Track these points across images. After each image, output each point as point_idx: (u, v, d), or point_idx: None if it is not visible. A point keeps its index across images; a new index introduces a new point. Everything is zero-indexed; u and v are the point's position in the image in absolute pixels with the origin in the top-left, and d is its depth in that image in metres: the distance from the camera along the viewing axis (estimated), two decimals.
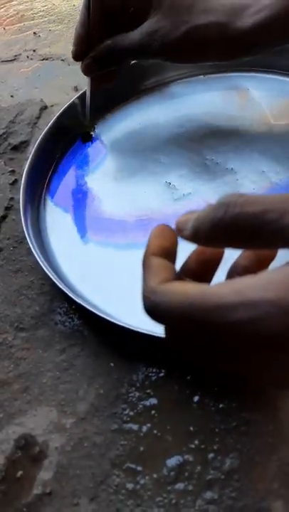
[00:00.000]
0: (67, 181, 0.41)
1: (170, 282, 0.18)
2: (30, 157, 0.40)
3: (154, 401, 0.28)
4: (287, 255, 0.18)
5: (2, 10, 0.67)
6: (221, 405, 0.27)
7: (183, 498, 0.25)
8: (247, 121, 0.41)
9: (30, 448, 0.27)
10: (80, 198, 0.40)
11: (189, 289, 0.17)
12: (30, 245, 0.34)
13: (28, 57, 0.58)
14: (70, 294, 0.31)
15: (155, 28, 0.34)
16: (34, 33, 0.61)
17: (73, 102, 0.44)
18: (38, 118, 0.48)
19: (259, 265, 0.21)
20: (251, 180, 0.37)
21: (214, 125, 0.42)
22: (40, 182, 0.41)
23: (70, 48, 0.57)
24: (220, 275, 0.22)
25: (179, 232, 0.20)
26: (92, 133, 0.44)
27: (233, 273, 0.22)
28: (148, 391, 0.28)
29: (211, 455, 0.26)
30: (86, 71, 0.39)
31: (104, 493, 0.25)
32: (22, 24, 0.64)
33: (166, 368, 0.29)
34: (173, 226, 0.21)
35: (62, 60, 0.56)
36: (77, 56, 0.39)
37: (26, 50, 0.59)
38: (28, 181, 0.39)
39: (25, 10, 0.66)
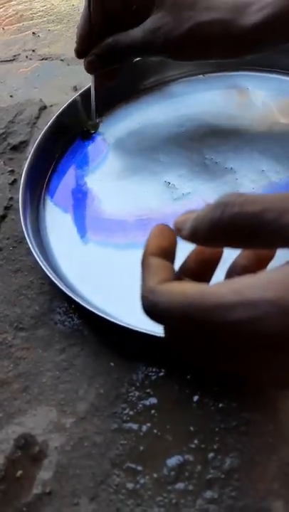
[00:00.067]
0: (67, 181, 0.41)
1: (169, 282, 0.18)
2: (30, 157, 0.40)
3: (154, 400, 0.28)
4: (287, 254, 0.17)
5: (1, 10, 0.67)
6: (220, 405, 0.27)
7: (183, 497, 0.25)
8: (247, 121, 0.41)
9: (30, 447, 0.27)
10: (79, 198, 0.40)
11: (188, 289, 0.17)
12: (30, 245, 0.34)
13: (27, 57, 0.58)
14: (70, 294, 0.31)
15: (158, 25, 0.34)
16: (33, 33, 0.61)
17: (74, 100, 0.44)
18: (38, 118, 0.48)
19: (258, 264, 0.21)
20: (251, 180, 0.37)
21: (214, 124, 0.42)
22: (40, 182, 0.41)
23: (70, 47, 0.58)
24: (219, 275, 0.22)
25: (177, 232, 0.20)
26: (92, 131, 0.44)
27: (232, 272, 0.22)
28: (148, 390, 0.28)
29: (211, 455, 0.26)
30: (89, 68, 0.39)
31: (105, 493, 0.25)
32: (21, 24, 0.64)
33: (166, 367, 0.29)
34: (172, 226, 0.21)
35: (61, 60, 0.56)
36: (80, 53, 0.39)
37: (25, 50, 0.59)
38: (28, 181, 0.39)
39: (24, 10, 0.66)
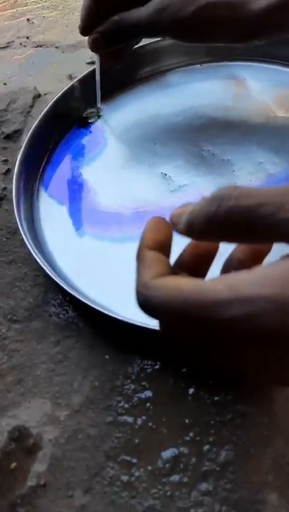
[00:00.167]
0: (62, 172, 0.41)
1: (164, 277, 0.18)
2: (24, 146, 0.40)
3: (149, 393, 0.28)
4: (283, 249, 0.17)
5: None
6: (216, 398, 0.27)
7: (178, 490, 0.25)
8: (244, 112, 0.41)
9: (24, 440, 0.27)
10: (75, 190, 0.39)
11: (183, 285, 0.17)
12: (24, 236, 0.34)
13: (21, 44, 0.56)
14: (64, 286, 0.30)
15: (164, 5, 0.33)
16: (28, 19, 0.60)
17: (72, 85, 0.43)
18: (32, 106, 0.47)
19: (254, 259, 0.21)
20: (248, 172, 0.37)
21: (211, 115, 0.42)
22: (34, 172, 0.40)
23: (65, 34, 0.57)
24: (214, 269, 0.22)
25: (173, 226, 0.20)
26: (90, 120, 0.44)
27: (228, 267, 0.21)
28: (143, 383, 0.28)
29: (206, 447, 0.26)
30: (93, 46, 0.38)
31: (99, 485, 0.25)
32: (15, 10, 0.62)
33: (162, 360, 0.29)
34: (168, 219, 0.20)
35: (56, 47, 0.55)
36: (84, 31, 0.38)
37: (19, 36, 0.58)
38: (21, 171, 0.38)
39: None
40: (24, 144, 0.40)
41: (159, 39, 0.45)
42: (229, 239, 0.18)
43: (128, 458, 0.26)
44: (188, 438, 0.26)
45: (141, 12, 0.34)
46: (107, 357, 0.30)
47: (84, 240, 0.36)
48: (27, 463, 0.26)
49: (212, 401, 0.27)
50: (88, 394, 0.28)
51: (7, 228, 0.38)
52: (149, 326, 0.27)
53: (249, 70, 0.44)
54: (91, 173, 0.40)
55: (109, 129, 0.43)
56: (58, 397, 0.29)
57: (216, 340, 0.16)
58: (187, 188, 0.37)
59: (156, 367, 0.29)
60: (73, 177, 0.40)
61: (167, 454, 0.26)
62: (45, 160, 0.42)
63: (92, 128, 0.43)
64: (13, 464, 0.26)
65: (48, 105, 0.42)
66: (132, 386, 0.28)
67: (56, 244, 0.36)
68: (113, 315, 0.29)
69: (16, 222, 0.35)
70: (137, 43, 0.40)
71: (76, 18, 0.59)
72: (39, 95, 0.49)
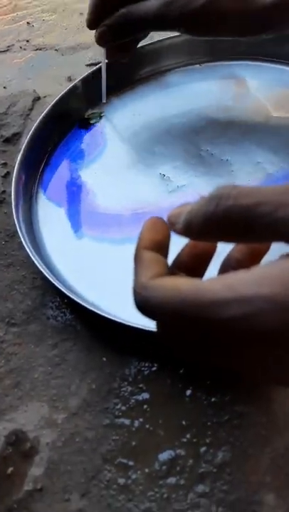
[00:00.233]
0: (61, 174, 0.41)
1: (161, 277, 0.18)
2: (22, 149, 0.40)
3: (146, 395, 0.28)
4: (281, 248, 0.17)
5: None
6: (213, 399, 0.27)
7: (174, 492, 0.25)
8: (243, 112, 0.41)
9: (21, 444, 0.27)
10: (73, 192, 0.39)
11: (181, 285, 0.17)
12: (22, 239, 0.34)
13: (21, 47, 0.57)
14: (62, 288, 0.30)
15: None
16: (27, 22, 0.60)
17: (74, 85, 0.43)
18: (31, 109, 0.48)
19: (252, 259, 0.21)
20: (247, 172, 0.36)
21: (210, 116, 0.42)
22: (33, 175, 0.40)
23: (64, 37, 0.57)
24: (212, 269, 0.22)
25: (171, 226, 0.20)
26: (92, 121, 0.44)
27: (226, 266, 0.21)
28: (140, 385, 0.28)
29: (203, 449, 0.25)
30: (100, 40, 0.37)
31: (96, 489, 0.25)
32: (15, 14, 0.63)
33: (159, 362, 0.29)
34: (166, 219, 0.20)
35: (55, 50, 0.55)
36: (91, 24, 0.37)
37: (19, 40, 0.58)
38: (20, 174, 0.39)
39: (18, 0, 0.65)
40: (23, 146, 0.40)
41: (158, 39, 0.45)
42: (227, 238, 0.18)
43: (125, 461, 0.26)
44: (185, 440, 0.26)
45: (149, 5, 0.34)
46: (104, 359, 0.30)
47: (83, 242, 0.36)
48: (24, 467, 0.26)
49: (209, 402, 0.27)
50: (85, 396, 0.28)
51: (5, 231, 0.38)
52: (146, 328, 0.27)
53: (249, 70, 0.44)
54: (90, 175, 0.40)
55: (108, 130, 0.43)
56: (56, 400, 0.29)
57: (213, 340, 0.16)
58: (186, 188, 0.37)
59: (154, 368, 0.29)
60: (72, 179, 0.40)
61: (164, 456, 0.26)
62: (44, 162, 0.42)
63: (91, 130, 0.43)
64: (10, 469, 0.26)
65: (47, 108, 0.42)
66: (129, 388, 0.28)
67: (55, 247, 0.36)
68: (110, 317, 0.28)
69: (15, 225, 0.35)
70: (144, 37, 0.40)
71: (75, 20, 0.59)
72: (38, 98, 0.49)
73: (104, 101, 0.44)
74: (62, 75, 0.51)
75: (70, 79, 0.50)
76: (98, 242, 0.36)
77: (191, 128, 0.41)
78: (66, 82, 0.50)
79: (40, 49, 0.56)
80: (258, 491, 0.24)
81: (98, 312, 0.29)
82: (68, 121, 0.44)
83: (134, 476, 0.25)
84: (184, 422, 0.26)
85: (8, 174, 0.42)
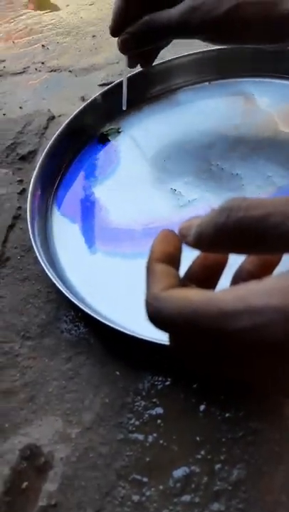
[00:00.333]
0: (75, 191, 0.42)
1: (173, 289, 0.18)
2: (38, 167, 0.41)
3: (159, 410, 0.28)
4: None
5: (12, 24, 0.69)
6: (227, 414, 0.26)
7: (189, 510, 0.24)
8: (253, 127, 0.41)
9: (35, 458, 0.27)
10: (87, 208, 0.40)
11: (193, 296, 0.17)
12: (37, 254, 0.34)
13: (36, 69, 0.59)
14: (76, 302, 0.31)
15: (196, 5, 0.33)
16: (42, 45, 0.62)
17: (84, 107, 0.45)
18: (46, 128, 0.49)
19: (264, 270, 0.21)
20: (257, 186, 0.37)
21: (220, 132, 0.42)
22: (48, 191, 0.41)
23: (78, 59, 0.59)
24: (224, 282, 0.22)
25: (182, 238, 0.20)
26: (110, 137, 0.45)
27: (238, 278, 0.21)
28: (154, 400, 0.28)
29: (217, 466, 0.25)
30: (122, 47, 0.37)
31: (110, 505, 0.25)
32: (31, 37, 0.65)
33: (172, 376, 0.29)
34: (177, 231, 0.21)
35: (69, 71, 0.57)
36: (114, 31, 0.37)
37: (35, 62, 0.60)
38: (36, 191, 0.40)
39: (33, 23, 0.68)
40: (38, 164, 0.41)
41: (168, 59, 0.47)
42: (238, 250, 0.18)
43: (139, 477, 0.26)
44: (199, 456, 0.26)
45: (172, 12, 0.34)
46: (117, 373, 0.30)
47: (96, 256, 0.36)
48: (38, 482, 0.26)
49: (223, 418, 0.26)
50: (99, 411, 0.28)
51: (21, 246, 0.38)
52: (159, 342, 0.27)
53: (257, 86, 0.45)
54: (103, 191, 0.41)
55: (120, 148, 0.44)
56: (69, 414, 0.29)
57: (224, 351, 0.16)
58: (197, 202, 0.37)
59: (167, 383, 0.28)
60: (86, 196, 0.41)
61: (178, 472, 0.25)
62: (58, 179, 0.43)
63: (105, 147, 0.44)
64: (25, 484, 0.26)
65: (61, 126, 0.44)
66: (143, 403, 0.28)
67: (69, 262, 0.36)
68: (124, 330, 0.29)
69: (30, 240, 0.36)
70: (166, 45, 0.40)
71: (88, 42, 0.61)
72: (53, 117, 0.50)
73: (124, 108, 0.44)
74: (76, 96, 0.52)
75: (83, 99, 0.51)
76: (111, 257, 0.36)
77: (201, 144, 0.42)
78: (79, 101, 0.51)
79: (55, 70, 0.58)
80: (274, 511, 0.23)
81: (112, 325, 0.29)
82: (82, 139, 0.45)
83: (148, 493, 0.25)
84: (198, 438, 0.26)
85: (24, 191, 0.43)
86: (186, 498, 0.24)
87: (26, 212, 0.38)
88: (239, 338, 0.16)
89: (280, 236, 0.16)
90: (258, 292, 0.16)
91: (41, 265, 0.34)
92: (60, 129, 0.44)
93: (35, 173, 0.40)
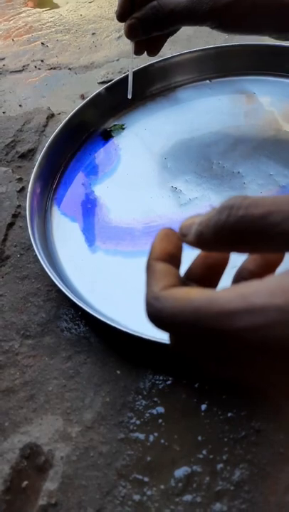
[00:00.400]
0: (74, 189, 0.41)
1: (173, 288, 0.18)
2: (37, 165, 0.40)
3: (161, 409, 0.27)
4: None
5: (11, 22, 0.68)
6: (229, 414, 0.26)
7: (191, 510, 0.24)
8: (254, 126, 0.41)
9: (35, 457, 0.27)
10: (87, 206, 0.40)
11: (193, 295, 0.17)
12: (37, 252, 0.34)
13: (36, 67, 0.58)
14: (76, 300, 0.31)
15: None
16: (42, 43, 0.62)
17: (84, 105, 0.44)
18: (45, 126, 0.49)
19: (266, 269, 0.21)
20: (258, 184, 0.37)
21: (221, 130, 0.42)
22: (47, 190, 0.41)
23: (77, 56, 0.58)
24: (226, 280, 0.22)
25: (182, 237, 0.20)
26: (113, 134, 0.44)
27: (239, 277, 0.21)
28: (155, 399, 0.28)
29: (219, 465, 0.25)
30: (129, 33, 0.37)
31: (111, 505, 0.25)
32: (30, 35, 0.65)
33: (174, 375, 0.28)
34: (177, 230, 0.20)
35: (69, 68, 0.57)
36: (121, 16, 0.37)
37: (34, 60, 0.60)
38: (35, 189, 0.39)
39: (33, 21, 0.67)
40: (37, 162, 0.41)
41: (168, 56, 0.46)
42: (239, 248, 0.18)
43: (140, 476, 0.25)
44: (201, 456, 0.25)
45: None
46: (118, 372, 0.29)
47: (96, 255, 0.36)
48: (38, 481, 0.26)
49: (225, 417, 0.26)
50: (100, 410, 0.28)
51: (21, 244, 0.38)
52: (160, 340, 0.27)
53: (258, 84, 0.45)
54: (103, 189, 0.41)
55: (121, 146, 0.44)
56: (70, 413, 0.28)
57: (226, 350, 0.16)
58: (198, 201, 0.37)
59: (168, 382, 0.28)
60: (86, 194, 0.41)
61: (180, 472, 0.25)
62: (58, 178, 0.42)
63: (105, 145, 0.44)
64: (25, 483, 0.26)
65: (61, 124, 0.43)
66: (144, 402, 0.28)
67: (68, 259, 0.36)
68: (124, 329, 0.28)
69: (30, 239, 0.35)
70: (174, 33, 0.39)
71: (88, 40, 0.61)
72: (53, 115, 0.50)
73: (130, 97, 0.44)
74: (76, 93, 0.52)
75: (83, 96, 0.51)
76: (111, 255, 0.36)
77: (202, 142, 0.41)
78: (79, 99, 0.51)
79: (54, 68, 0.58)
80: None
81: (112, 324, 0.29)
82: (82, 136, 0.45)
83: (149, 493, 0.25)
84: (199, 438, 0.26)
85: (23, 189, 0.43)
86: (188, 497, 0.24)
87: (26, 210, 0.37)
88: (240, 338, 0.15)
89: (281, 234, 0.16)
90: (261, 291, 0.15)
91: (41, 263, 0.33)
92: (59, 127, 0.43)
93: (34, 171, 0.40)
